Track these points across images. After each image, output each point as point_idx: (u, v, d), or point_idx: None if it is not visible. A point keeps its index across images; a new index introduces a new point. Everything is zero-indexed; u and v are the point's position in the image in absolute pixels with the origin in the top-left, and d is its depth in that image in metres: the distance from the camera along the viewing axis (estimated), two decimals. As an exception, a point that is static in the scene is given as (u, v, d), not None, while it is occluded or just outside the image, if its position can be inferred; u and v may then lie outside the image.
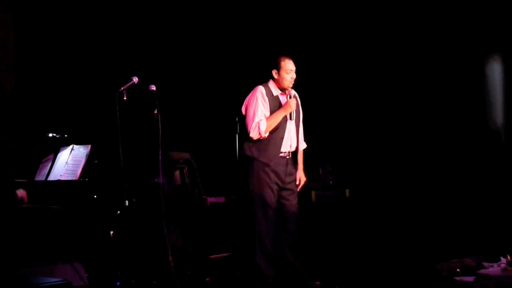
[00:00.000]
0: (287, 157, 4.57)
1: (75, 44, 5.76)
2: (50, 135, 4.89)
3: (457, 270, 4.39)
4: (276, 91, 4.61)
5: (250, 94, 4.63)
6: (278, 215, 4.53)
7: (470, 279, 4.20)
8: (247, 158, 4.55)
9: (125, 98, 4.24)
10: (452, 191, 5.52)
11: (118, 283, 4.23)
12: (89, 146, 4.63)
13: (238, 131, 5.68)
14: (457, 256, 4.59)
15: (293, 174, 4.62)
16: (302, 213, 4.76)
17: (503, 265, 4.26)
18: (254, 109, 4.51)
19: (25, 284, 3.10)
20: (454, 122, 5.61)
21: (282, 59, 4.59)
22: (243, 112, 4.63)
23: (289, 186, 4.57)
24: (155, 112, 4.31)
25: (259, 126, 4.46)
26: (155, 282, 4.51)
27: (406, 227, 5.61)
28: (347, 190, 5.69)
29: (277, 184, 4.51)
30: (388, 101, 6.01)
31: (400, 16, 5.87)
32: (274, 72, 4.61)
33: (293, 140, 4.60)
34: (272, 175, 4.49)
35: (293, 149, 4.61)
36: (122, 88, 4.25)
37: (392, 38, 5.95)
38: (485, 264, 4.38)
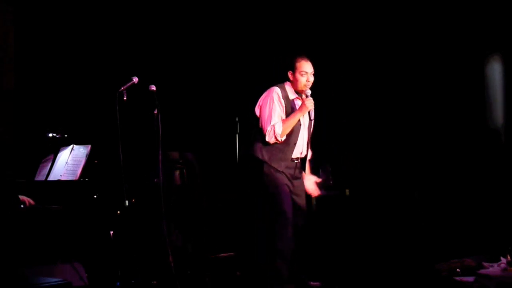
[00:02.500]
0: (296, 161, 4.43)
1: (75, 44, 5.76)
2: (50, 135, 4.89)
3: (457, 270, 4.39)
4: (292, 95, 4.42)
5: (265, 95, 4.41)
6: None
7: (470, 279, 4.20)
8: (257, 160, 4.38)
9: (125, 98, 4.24)
10: (452, 191, 5.51)
11: (118, 283, 4.23)
12: (89, 146, 4.63)
13: (238, 131, 5.68)
14: (457, 256, 4.59)
15: (299, 178, 4.49)
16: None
17: (503, 265, 4.25)
18: (270, 111, 4.31)
19: (25, 284, 3.10)
20: (454, 122, 5.61)
21: (298, 59, 4.38)
22: (257, 113, 4.42)
23: (295, 190, 4.44)
24: (155, 112, 4.31)
25: (274, 129, 4.27)
26: (155, 282, 4.51)
27: (406, 227, 5.61)
28: (347, 190, 5.68)
29: (288, 186, 4.38)
30: (388, 101, 6.01)
31: (400, 16, 5.87)
32: (289, 74, 4.42)
33: (304, 147, 4.47)
34: (285, 176, 4.36)
35: (303, 155, 4.47)
36: (122, 88, 4.25)
37: (392, 38, 5.95)
38: (485, 264, 4.38)
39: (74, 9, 5.67)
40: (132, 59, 5.75)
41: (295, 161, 4.44)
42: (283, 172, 4.36)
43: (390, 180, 5.92)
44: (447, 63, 5.64)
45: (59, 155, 4.77)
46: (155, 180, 4.55)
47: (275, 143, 4.33)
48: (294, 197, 4.42)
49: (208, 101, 6.32)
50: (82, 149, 4.66)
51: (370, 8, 6.01)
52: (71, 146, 4.72)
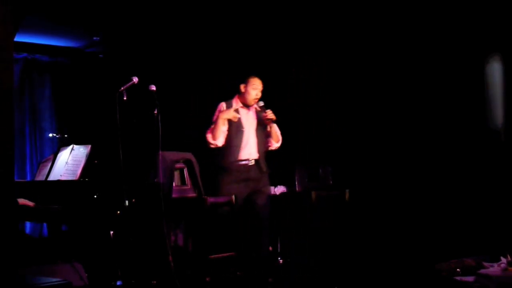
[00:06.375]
0: (245, 163, 4.88)
1: (74, 44, 5.76)
2: (50, 135, 4.89)
3: (457, 270, 4.39)
4: (237, 105, 4.95)
5: None
6: None
7: (470, 279, 4.19)
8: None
9: (125, 98, 4.24)
10: (452, 191, 5.51)
11: (118, 283, 4.23)
12: (89, 146, 4.63)
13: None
14: (457, 256, 4.58)
15: (256, 178, 4.93)
16: (303, 213, 4.75)
17: (503, 265, 4.25)
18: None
19: (25, 284, 3.10)
20: (454, 122, 5.61)
21: (251, 77, 4.94)
22: None
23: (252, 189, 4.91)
24: (155, 112, 4.31)
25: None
26: (155, 282, 4.51)
27: (406, 227, 5.61)
28: (347, 191, 5.68)
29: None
30: (388, 101, 6.01)
31: (400, 16, 5.87)
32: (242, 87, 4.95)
33: (253, 149, 4.92)
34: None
35: (254, 156, 4.91)
36: (122, 88, 4.26)
37: (392, 38, 5.95)
38: (485, 264, 4.37)
39: (74, 9, 5.68)
40: (132, 59, 5.76)
41: (244, 162, 4.87)
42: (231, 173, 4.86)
43: (390, 180, 5.92)
44: (447, 63, 5.63)
45: (59, 155, 4.77)
46: (155, 180, 4.56)
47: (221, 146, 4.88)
48: (253, 196, 4.88)
49: (208, 101, 6.32)
50: (82, 149, 4.66)
51: (369, 8, 6.01)
52: (71, 146, 4.73)
